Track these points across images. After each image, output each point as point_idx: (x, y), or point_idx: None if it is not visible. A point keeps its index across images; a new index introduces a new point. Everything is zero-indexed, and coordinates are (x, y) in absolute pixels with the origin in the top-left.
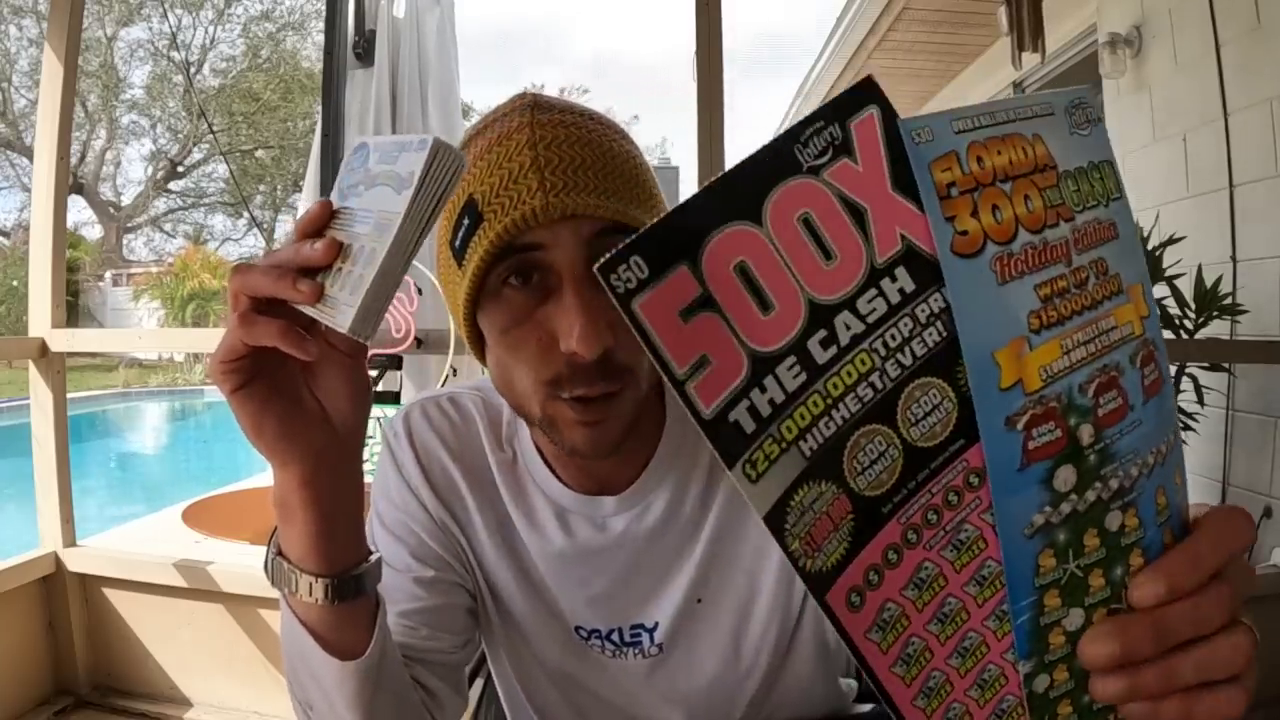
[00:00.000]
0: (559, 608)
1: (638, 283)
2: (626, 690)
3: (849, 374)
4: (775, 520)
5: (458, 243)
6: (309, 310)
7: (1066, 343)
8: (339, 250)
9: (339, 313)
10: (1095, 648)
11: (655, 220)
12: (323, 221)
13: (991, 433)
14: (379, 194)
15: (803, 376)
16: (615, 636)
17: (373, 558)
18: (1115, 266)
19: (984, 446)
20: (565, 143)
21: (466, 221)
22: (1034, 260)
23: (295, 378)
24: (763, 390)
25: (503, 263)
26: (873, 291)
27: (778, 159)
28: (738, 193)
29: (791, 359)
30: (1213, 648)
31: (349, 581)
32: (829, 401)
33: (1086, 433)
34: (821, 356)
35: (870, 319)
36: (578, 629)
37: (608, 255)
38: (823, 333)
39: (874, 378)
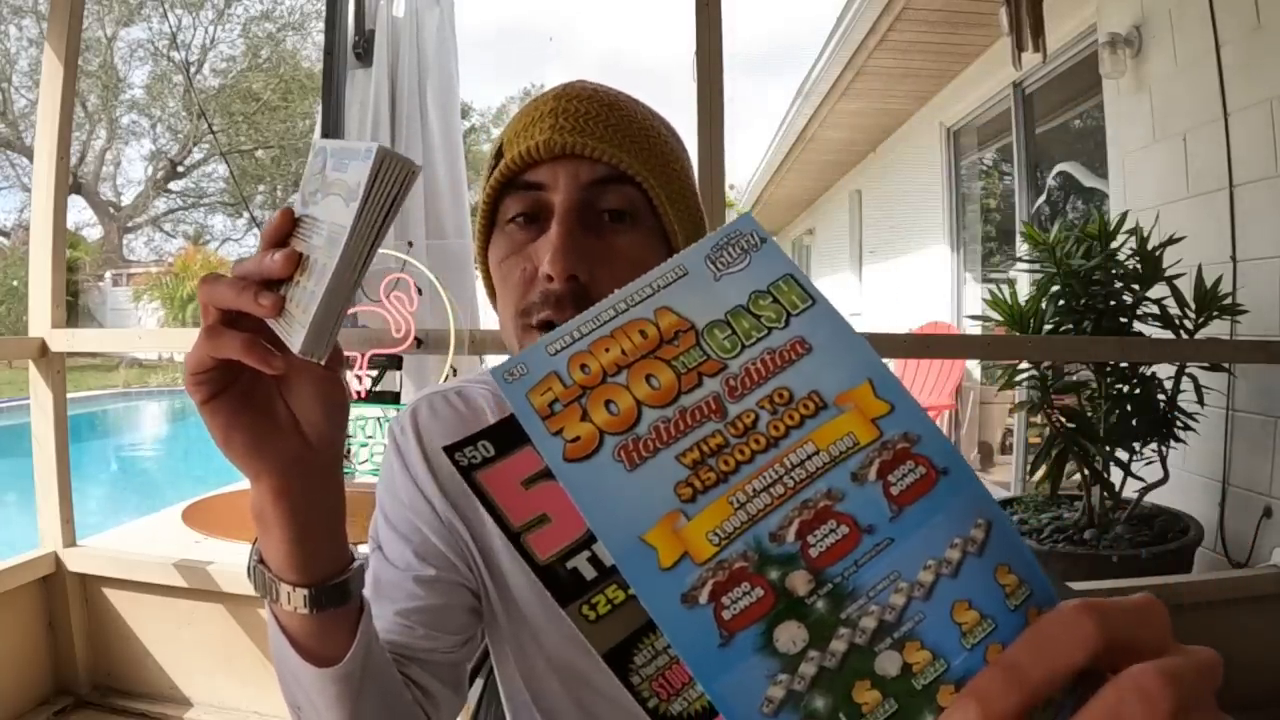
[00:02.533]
0: None
1: (482, 459)
2: None
3: None
4: (619, 658)
5: (484, 183)
6: (271, 324)
7: (738, 497)
8: (298, 262)
9: (293, 332)
10: None
11: (503, 418)
12: (285, 231)
13: (669, 617)
14: (331, 204)
15: None
16: None
17: (354, 566)
18: (810, 384)
19: (666, 635)
20: (585, 99)
21: (492, 162)
22: (668, 433)
23: (268, 389)
24: None
25: (509, 196)
26: None
27: None
28: None
29: None
30: None
31: (329, 591)
32: None
33: (801, 580)
34: None
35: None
36: None
37: (458, 439)
38: None
39: None
